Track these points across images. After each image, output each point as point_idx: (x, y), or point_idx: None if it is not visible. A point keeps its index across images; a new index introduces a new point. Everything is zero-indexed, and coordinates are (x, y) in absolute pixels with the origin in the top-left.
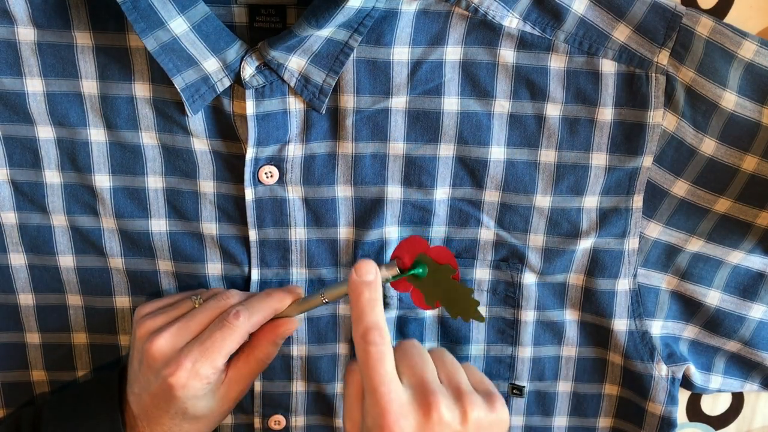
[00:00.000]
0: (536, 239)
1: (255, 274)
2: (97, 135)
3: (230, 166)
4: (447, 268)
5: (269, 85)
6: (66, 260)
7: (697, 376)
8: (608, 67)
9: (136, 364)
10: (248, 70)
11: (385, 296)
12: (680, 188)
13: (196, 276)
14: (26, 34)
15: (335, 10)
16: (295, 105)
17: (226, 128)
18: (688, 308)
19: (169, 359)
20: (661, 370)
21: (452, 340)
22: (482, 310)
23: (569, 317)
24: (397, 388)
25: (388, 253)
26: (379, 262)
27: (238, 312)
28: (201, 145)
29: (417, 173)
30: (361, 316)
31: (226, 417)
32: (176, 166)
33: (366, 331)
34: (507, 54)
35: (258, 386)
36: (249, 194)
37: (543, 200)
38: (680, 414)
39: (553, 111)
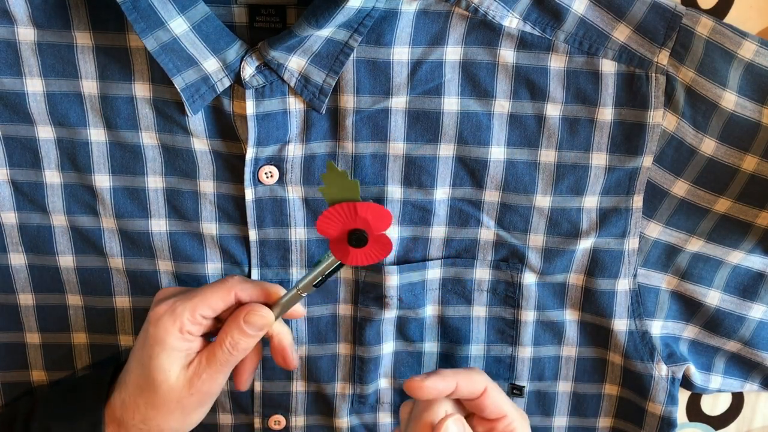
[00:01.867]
0: (536, 239)
1: (255, 274)
2: (97, 135)
3: (230, 166)
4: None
5: (269, 85)
6: (66, 260)
7: (697, 376)
8: (608, 67)
9: (138, 343)
10: (248, 70)
11: (384, 296)
12: (680, 188)
13: (196, 276)
14: (26, 34)
15: (335, 10)
16: (295, 105)
17: (226, 128)
18: (688, 308)
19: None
20: (661, 370)
21: (452, 340)
22: (482, 309)
23: (569, 317)
24: None
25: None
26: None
27: (233, 274)
28: (201, 145)
29: (417, 173)
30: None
31: (198, 421)
32: (176, 166)
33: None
34: (507, 54)
35: (258, 386)
36: (249, 194)
37: (543, 200)
38: (680, 414)
39: (553, 111)
